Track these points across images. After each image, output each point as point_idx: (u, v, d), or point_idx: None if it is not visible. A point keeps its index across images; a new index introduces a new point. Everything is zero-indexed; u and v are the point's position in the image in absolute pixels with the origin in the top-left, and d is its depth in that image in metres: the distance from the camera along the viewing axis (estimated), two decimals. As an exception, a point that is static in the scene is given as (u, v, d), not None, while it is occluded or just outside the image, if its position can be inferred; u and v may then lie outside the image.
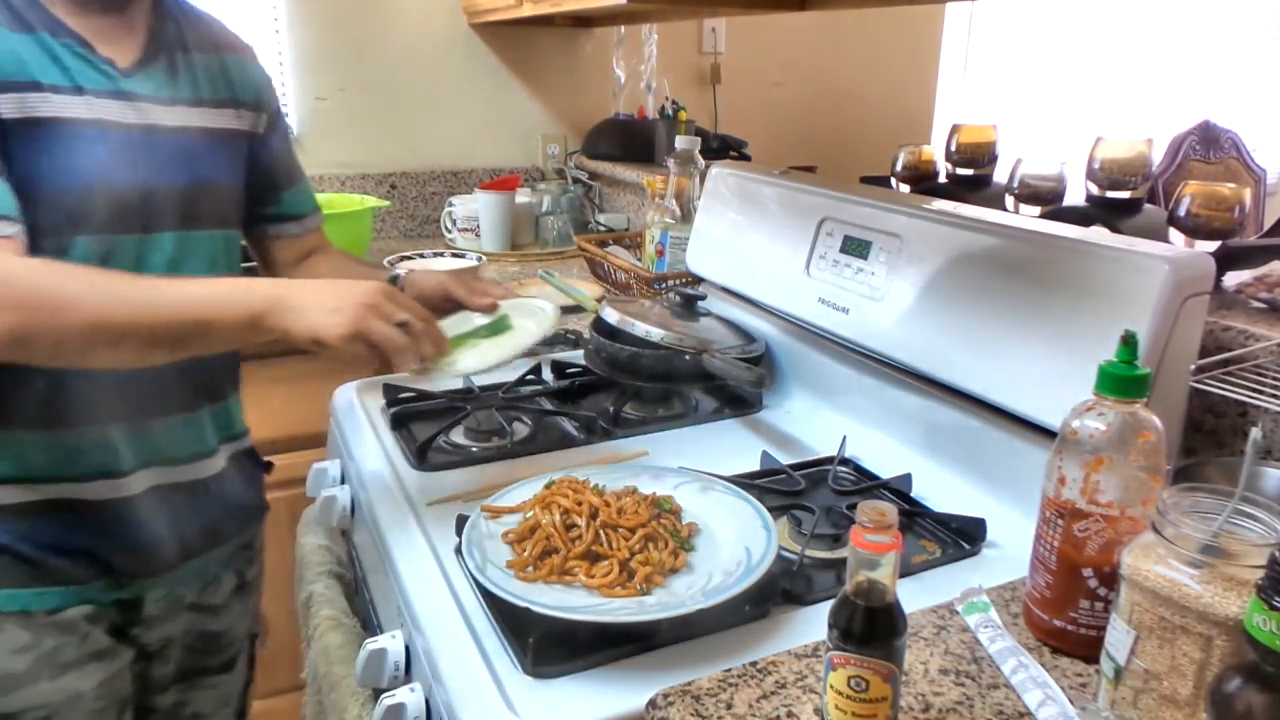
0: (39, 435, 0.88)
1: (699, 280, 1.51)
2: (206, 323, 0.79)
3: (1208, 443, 0.94)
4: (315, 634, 1.01)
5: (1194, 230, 1.07)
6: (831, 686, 0.58)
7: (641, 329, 1.19)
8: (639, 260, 1.74)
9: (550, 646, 0.70)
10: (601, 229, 2.20)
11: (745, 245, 1.34)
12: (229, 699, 1.13)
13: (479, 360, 0.93)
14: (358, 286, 0.82)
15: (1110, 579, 0.64)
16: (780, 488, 0.98)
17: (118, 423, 0.91)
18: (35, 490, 0.88)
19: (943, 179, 1.53)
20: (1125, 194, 1.19)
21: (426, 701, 0.75)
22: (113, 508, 0.91)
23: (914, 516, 0.93)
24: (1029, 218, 1.09)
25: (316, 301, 0.80)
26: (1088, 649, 0.66)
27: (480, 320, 1.00)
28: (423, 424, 1.17)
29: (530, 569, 0.78)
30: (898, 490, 0.98)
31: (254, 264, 1.16)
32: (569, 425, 1.19)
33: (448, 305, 1.01)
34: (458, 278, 1.04)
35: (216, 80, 0.99)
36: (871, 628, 0.56)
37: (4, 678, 0.87)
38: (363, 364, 0.84)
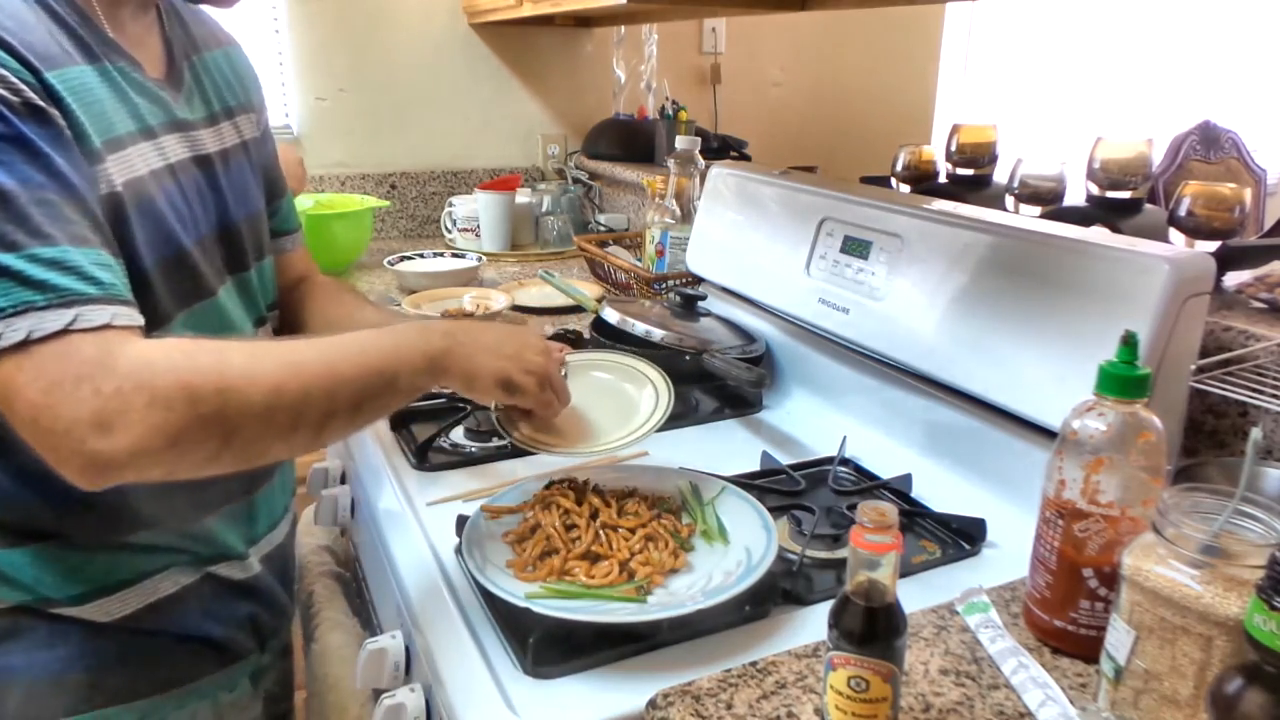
0: (156, 531, 0.76)
1: (699, 280, 1.51)
2: (392, 374, 0.69)
3: (1208, 443, 0.94)
4: (315, 634, 1.01)
5: (1194, 230, 1.06)
6: (831, 687, 0.58)
7: (641, 329, 1.19)
8: (639, 260, 1.74)
9: (550, 646, 0.70)
10: (601, 229, 2.20)
11: (745, 245, 1.34)
12: None
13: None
14: (519, 330, 0.79)
15: (1110, 579, 0.64)
16: (780, 488, 0.98)
17: (229, 505, 0.83)
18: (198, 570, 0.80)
19: (943, 179, 1.53)
20: (1125, 194, 1.19)
21: (426, 701, 0.75)
22: (245, 584, 0.86)
23: (914, 516, 0.93)
24: (1029, 218, 1.09)
25: (486, 343, 0.75)
26: (1088, 649, 0.66)
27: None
28: (423, 424, 1.17)
29: (530, 569, 0.78)
30: (898, 490, 0.98)
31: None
32: (569, 425, 1.18)
33: None
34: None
35: (231, 83, 0.89)
36: (871, 628, 0.56)
37: None
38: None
